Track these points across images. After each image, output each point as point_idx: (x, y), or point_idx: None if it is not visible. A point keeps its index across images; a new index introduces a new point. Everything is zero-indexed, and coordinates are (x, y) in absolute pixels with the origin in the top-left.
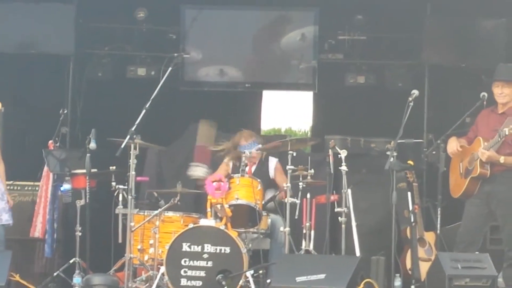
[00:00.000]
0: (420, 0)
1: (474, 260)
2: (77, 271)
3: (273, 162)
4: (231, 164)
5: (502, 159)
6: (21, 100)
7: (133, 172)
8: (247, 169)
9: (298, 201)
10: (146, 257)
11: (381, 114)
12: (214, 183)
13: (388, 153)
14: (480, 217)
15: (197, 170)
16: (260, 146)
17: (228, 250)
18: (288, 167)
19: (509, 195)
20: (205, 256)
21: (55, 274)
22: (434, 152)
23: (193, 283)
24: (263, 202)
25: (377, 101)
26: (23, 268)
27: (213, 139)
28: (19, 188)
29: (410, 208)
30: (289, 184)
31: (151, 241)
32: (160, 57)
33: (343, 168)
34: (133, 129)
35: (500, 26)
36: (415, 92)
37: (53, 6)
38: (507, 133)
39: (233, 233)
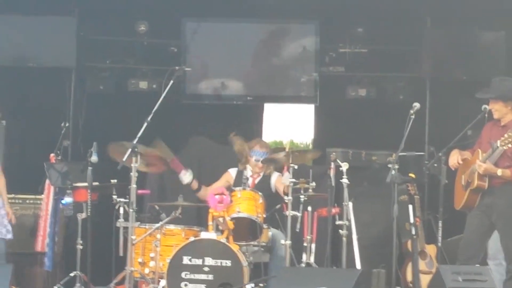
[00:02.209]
0: (420, 13)
1: (475, 273)
2: (78, 284)
3: (275, 175)
4: (234, 173)
5: (499, 171)
6: (22, 113)
7: (135, 185)
8: (250, 182)
9: (299, 214)
10: (147, 270)
11: (382, 127)
12: (217, 196)
13: (390, 165)
14: (481, 229)
15: (188, 176)
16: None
17: (229, 263)
18: (290, 180)
19: (509, 207)
20: (206, 269)
21: (55, 287)
22: (435, 165)
23: None
24: (264, 215)
25: (378, 114)
26: (24, 282)
27: (169, 151)
28: (20, 201)
29: (411, 221)
30: (290, 197)
31: (152, 254)
32: (161, 70)
33: (345, 181)
34: (134, 142)
35: (499, 39)
36: (417, 105)
37: (54, 19)
38: (498, 145)
39: (234, 247)
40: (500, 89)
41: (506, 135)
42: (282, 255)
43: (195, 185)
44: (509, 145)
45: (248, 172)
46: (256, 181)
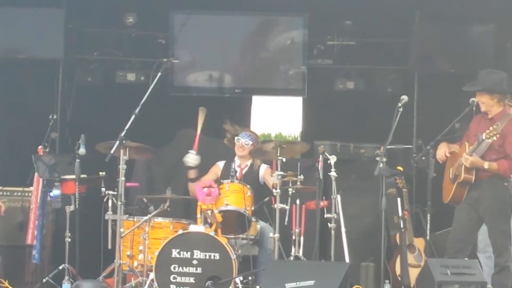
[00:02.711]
0: (409, 6)
1: (463, 266)
2: (66, 277)
3: (263, 167)
4: (222, 166)
5: (486, 164)
6: (10, 105)
7: (123, 178)
8: (238, 173)
9: (287, 207)
10: (135, 263)
11: (370, 120)
12: (205, 189)
13: (378, 158)
14: (469, 222)
15: (193, 158)
16: (251, 142)
17: (217, 256)
18: (277, 172)
19: (496, 201)
20: (195, 262)
21: (44, 280)
22: (423, 158)
23: None
24: (253, 208)
25: (366, 107)
26: (12, 274)
27: (201, 124)
28: (8, 194)
29: (400, 214)
30: (278, 190)
31: (141, 247)
32: (149, 62)
33: (333, 173)
34: (122, 134)
35: (489, 32)
36: (405, 98)
37: (42, 11)
38: (484, 138)
39: (222, 239)
40: (486, 82)
41: (491, 128)
42: (271, 248)
43: (193, 173)
44: (494, 138)
45: (236, 162)
46: (244, 171)
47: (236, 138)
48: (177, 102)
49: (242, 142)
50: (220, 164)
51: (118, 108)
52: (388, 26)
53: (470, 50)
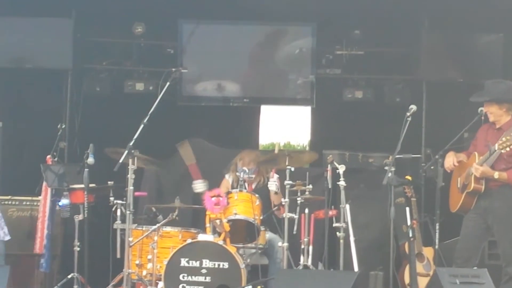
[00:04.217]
0: (417, 15)
1: (472, 275)
2: (75, 286)
3: (274, 177)
4: (231, 180)
5: (496, 174)
6: (19, 115)
7: (131, 187)
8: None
9: (296, 216)
10: (144, 272)
11: (379, 129)
12: (213, 198)
13: (386, 168)
14: (477, 232)
15: (201, 186)
16: (253, 176)
17: (226, 265)
18: (286, 182)
19: (505, 210)
20: (204, 271)
21: None
22: (432, 167)
23: None
24: (261, 217)
25: (375, 116)
26: (21, 283)
27: (192, 155)
28: (17, 203)
29: (408, 223)
30: (287, 199)
31: (149, 256)
32: (158, 72)
33: (341, 183)
34: (131, 144)
35: (497, 41)
36: (413, 107)
37: (50, 21)
38: (496, 148)
39: (231, 249)
40: (494, 92)
41: (504, 139)
42: (280, 257)
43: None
44: (508, 149)
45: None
46: (253, 185)
47: (237, 174)
48: (185, 111)
49: (246, 177)
50: (228, 177)
51: (126, 118)
52: (396, 36)
53: (478, 60)
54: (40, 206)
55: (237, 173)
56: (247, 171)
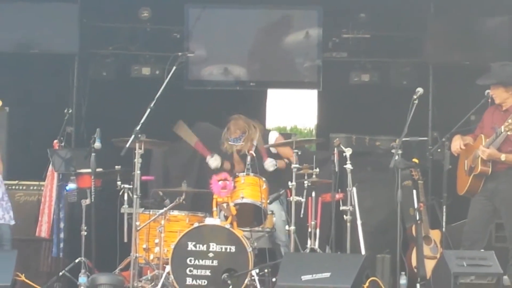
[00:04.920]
0: None
1: (479, 257)
2: (82, 271)
3: (273, 136)
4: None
5: (503, 156)
6: (25, 100)
7: (138, 171)
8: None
9: (303, 200)
10: (151, 256)
11: (385, 112)
12: (220, 182)
13: (393, 151)
14: (485, 214)
15: (214, 161)
16: (242, 143)
17: (233, 249)
18: (293, 165)
19: None
20: (211, 255)
21: (60, 273)
22: (439, 150)
23: (199, 282)
24: (268, 201)
25: (381, 99)
26: (29, 268)
27: (192, 133)
28: (24, 187)
29: (415, 206)
30: (294, 183)
31: (157, 240)
32: (164, 56)
33: (348, 166)
34: (138, 128)
35: (504, 24)
36: (420, 90)
37: (56, 6)
38: (502, 130)
39: (238, 232)
40: (500, 75)
41: (510, 120)
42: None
43: (228, 165)
44: None
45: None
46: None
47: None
48: (192, 95)
49: (238, 146)
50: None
51: (133, 102)
52: (402, 19)
53: (485, 43)
54: (45, 190)
55: (230, 143)
56: (234, 139)
